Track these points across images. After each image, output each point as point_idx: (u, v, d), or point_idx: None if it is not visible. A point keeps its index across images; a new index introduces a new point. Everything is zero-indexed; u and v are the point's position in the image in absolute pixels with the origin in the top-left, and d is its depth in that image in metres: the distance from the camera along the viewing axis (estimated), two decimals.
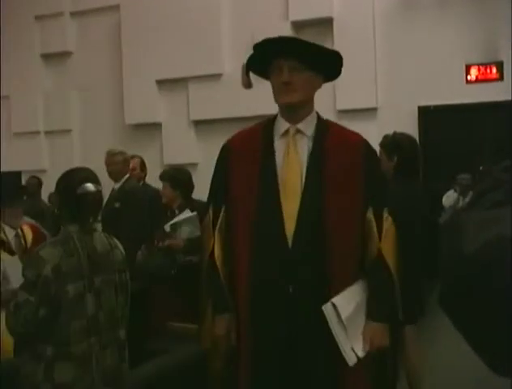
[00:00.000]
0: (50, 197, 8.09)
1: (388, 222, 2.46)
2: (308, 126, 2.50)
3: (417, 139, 4.94)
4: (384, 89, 8.78)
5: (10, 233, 4.31)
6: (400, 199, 3.80)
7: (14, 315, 2.60)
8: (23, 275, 2.66)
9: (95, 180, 2.84)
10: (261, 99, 8.96)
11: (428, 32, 8.47)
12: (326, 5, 8.91)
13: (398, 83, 8.61)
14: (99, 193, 2.85)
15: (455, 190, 8.61)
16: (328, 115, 9.44)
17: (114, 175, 5.75)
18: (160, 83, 10.01)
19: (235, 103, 8.91)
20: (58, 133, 10.78)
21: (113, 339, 2.80)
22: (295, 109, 2.48)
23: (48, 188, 7.94)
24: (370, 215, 2.44)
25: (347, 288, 2.37)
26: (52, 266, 2.60)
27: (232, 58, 9.44)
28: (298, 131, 2.48)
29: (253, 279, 2.39)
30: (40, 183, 8.62)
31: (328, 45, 9.77)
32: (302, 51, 2.42)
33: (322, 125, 2.55)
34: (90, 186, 2.78)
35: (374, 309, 2.44)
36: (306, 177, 2.39)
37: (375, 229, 2.44)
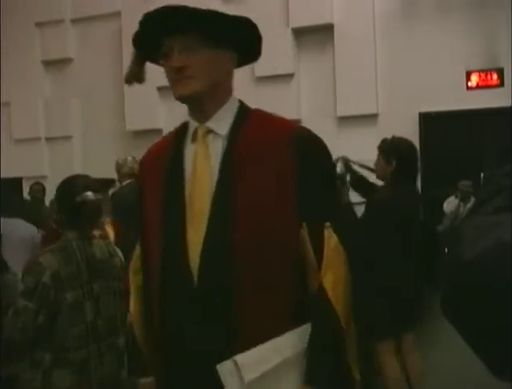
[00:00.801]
0: (50, 203, 8.08)
1: (332, 242, 1.72)
2: (221, 123, 1.82)
3: (418, 146, 4.95)
4: (385, 95, 8.78)
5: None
6: (399, 204, 3.80)
7: (12, 321, 2.60)
8: (23, 281, 2.66)
9: (94, 188, 2.85)
10: (263, 105, 9.02)
11: (429, 39, 8.48)
12: (327, 11, 8.92)
13: (398, 90, 8.61)
14: (98, 201, 2.85)
15: (456, 197, 8.60)
16: (329, 122, 9.52)
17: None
18: (161, 89, 10.00)
19: None
20: (59, 139, 10.78)
21: (111, 346, 2.80)
22: (198, 103, 1.84)
23: (48, 194, 7.95)
24: (304, 233, 1.72)
25: (268, 342, 1.67)
26: (51, 272, 2.60)
27: None
28: (209, 131, 1.82)
29: (163, 330, 1.80)
30: (43, 189, 8.62)
31: (329, 52, 9.90)
32: (196, 23, 1.73)
33: (242, 117, 1.84)
34: (89, 195, 2.78)
35: (307, 370, 1.69)
36: (215, 192, 1.72)
37: (312, 255, 1.72)
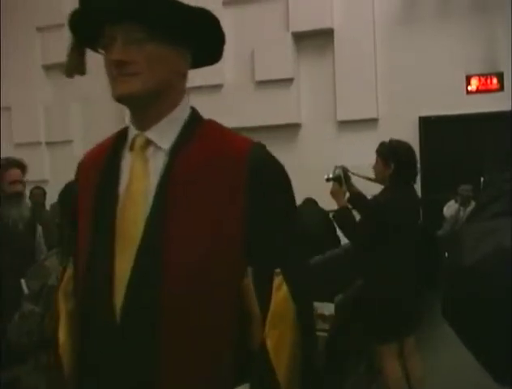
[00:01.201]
0: (51, 207, 8.08)
1: (281, 294, 1.38)
2: (165, 134, 1.47)
3: (418, 150, 4.96)
4: (385, 100, 8.80)
5: None
6: (397, 207, 3.81)
7: (19, 326, 2.60)
8: (28, 285, 2.66)
9: None
10: (263, 109, 9.04)
11: (429, 43, 8.49)
12: (327, 16, 8.94)
13: (398, 94, 8.62)
14: None
15: (456, 201, 8.61)
16: (329, 126, 9.54)
17: None
18: None
19: (236, 113, 8.93)
20: (60, 144, 10.79)
21: None
22: (141, 107, 1.50)
23: (49, 199, 7.94)
24: (249, 280, 1.39)
25: None
26: (57, 275, 2.60)
27: (233, 69, 9.48)
28: (149, 142, 1.48)
29: (80, 364, 1.49)
30: (44, 193, 8.62)
31: (329, 56, 9.93)
32: (145, 11, 1.42)
33: (191, 129, 1.50)
34: None
35: None
36: (148, 219, 1.38)
37: (257, 307, 1.40)
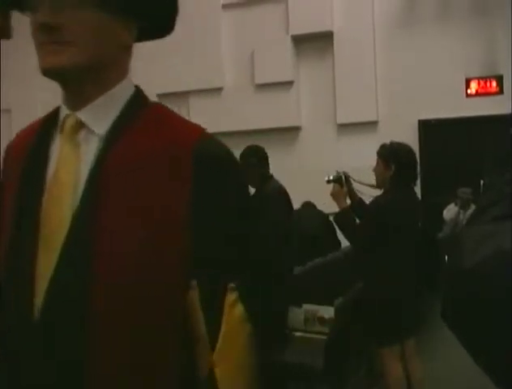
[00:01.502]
0: None
1: (236, 314, 1.15)
2: (100, 115, 1.22)
3: (418, 153, 4.95)
4: (384, 103, 8.81)
5: None
6: (397, 209, 3.81)
7: None
8: None
9: None
10: (263, 112, 9.04)
11: (429, 46, 8.51)
12: (327, 19, 8.95)
13: (398, 97, 8.63)
14: None
15: (456, 204, 8.61)
16: (328, 129, 9.55)
17: None
18: (161, 96, 10.02)
19: (236, 117, 8.95)
20: None
21: None
22: (73, 82, 1.23)
23: None
24: (194, 296, 1.15)
25: None
26: None
27: (233, 72, 9.49)
28: (81, 125, 1.22)
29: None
30: None
31: (329, 59, 9.95)
32: None
33: (133, 112, 1.25)
34: None
35: None
36: (76, 211, 1.16)
37: (203, 328, 1.15)
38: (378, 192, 4.04)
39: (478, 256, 0.81)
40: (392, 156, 3.91)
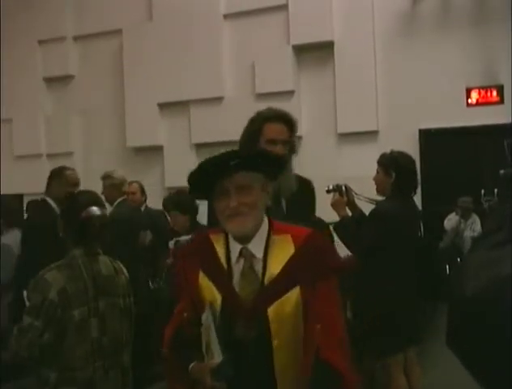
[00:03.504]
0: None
1: None
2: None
3: (418, 162, 4.95)
4: (385, 112, 8.81)
5: None
6: (398, 217, 3.81)
7: (18, 339, 2.58)
8: (28, 298, 2.64)
9: (99, 203, 2.82)
10: None
11: (429, 56, 8.52)
12: (327, 29, 8.97)
13: (399, 107, 8.64)
14: (104, 216, 2.81)
15: (457, 213, 8.61)
16: (329, 138, 9.53)
17: (106, 198, 5.42)
18: (162, 106, 10.05)
19: (236, 126, 8.91)
20: (60, 156, 10.78)
21: (116, 364, 2.77)
22: None
23: None
24: None
25: None
26: (57, 289, 2.58)
27: (234, 81, 9.51)
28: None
29: None
30: None
31: (329, 69, 9.94)
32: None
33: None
34: (94, 210, 2.75)
35: None
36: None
37: None
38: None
39: (480, 283, 0.82)
40: (392, 163, 3.92)
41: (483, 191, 8.39)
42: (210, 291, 2.09)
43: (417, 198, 4.18)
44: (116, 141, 10.35)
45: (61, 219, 2.84)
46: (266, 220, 2.14)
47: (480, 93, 8.49)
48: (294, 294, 2.02)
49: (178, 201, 4.96)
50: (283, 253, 2.08)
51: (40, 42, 10.85)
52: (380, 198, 4.13)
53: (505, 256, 0.81)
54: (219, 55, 9.62)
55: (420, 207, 5.39)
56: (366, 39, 8.85)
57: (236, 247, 2.10)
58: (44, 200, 4.16)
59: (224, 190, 2.04)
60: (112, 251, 2.90)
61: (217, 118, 9.34)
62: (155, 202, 7.41)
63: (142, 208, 6.68)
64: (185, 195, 5.10)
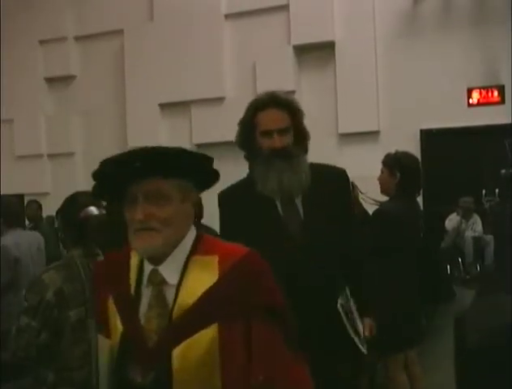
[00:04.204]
0: (47, 219, 8.09)
1: None
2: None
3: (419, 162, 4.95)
4: (386, 112, 8.81)
5: None
6: (401, 217, 3.81)
7: (15, 340, 2.58)
8: (25, 299, 2.64)
9: (98, 204, 2.81)
10: None
11: (430, 56, 8.52)
12: (328, 29, 8.97)
13: (400, 107, 8.64)
14: (102, 216, 2.81)
15: (458, 213, 8.61)
16: (330, 139, 9.52)
17: None
18: (163, 106, 10.06)
19: (237, 126, 8.94)
20: (61, 156, 10.81)
21: None
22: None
23: (51, 211, 7.95)
24: None
25: None
26: (54, 290, 2.58)
27: (235, 82, 9.51)
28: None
29: None
30: (40, 207, 8.61)
31: (330, 69, 9.94)
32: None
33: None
34: (93, 210, 2.75)
35: None
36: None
37: None
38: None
39: (484, 331, 0.85)
40: (397, 163, 3.92)
41: (484, 191, 8.40)
42: (114, 321, 1.70)
43: (418, 199, 4.17)
44: (117, 141, 10.34)
45: (60, 219, 2.83)
46: (192, 235, 1.70)
47: (481, 93, 8.49)
48: (209, 333, 1.57)
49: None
50: (203, 279, 1.62)
51: (42, 42, 10.86)
52: (383, 198, 4.13)
53: (507, 304, 0.85)
54: (220, 55, 9.63)
55: (421, 207, 5.39)
56: (367, 39, 8.85)
57: (148, 269, 1.68)
58: None
59: (133, 198, 1.61)
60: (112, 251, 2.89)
61: (218, 119, 9.34)
62: None
63: None
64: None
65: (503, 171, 7.29)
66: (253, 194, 2.48)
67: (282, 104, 2.56)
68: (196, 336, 1.57)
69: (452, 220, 8.69)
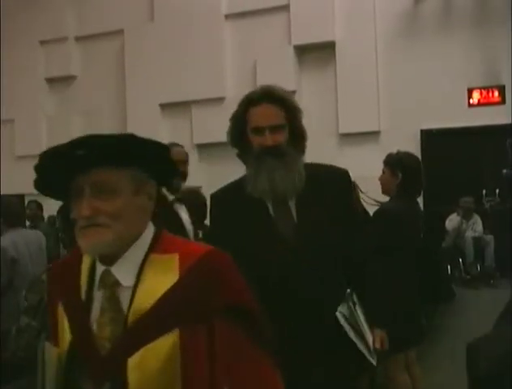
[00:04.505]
0: (50, 219, 8.11)
1: None
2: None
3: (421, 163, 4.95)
4: (386, 113, 8.81)
5: None
6: (402, 217, 3.81)
7: (16, 340, 2.58)
8: (25, 299, 2.64)
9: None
10: None
11: (431, 56, 8.52)
12: (329, 29, 8.98)
13: (400, 107, 8.64)
14: None
15: (458, 214, 8.61)
16: (331, 139, 9.51)
17: None
18: (163, 106, 10.07)
19: None
20: None
21: None
22: None
23: (52, 211, 7.96)
24: None
25: None
26: None
27: (236, 82, 9.51)
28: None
29: None
30: (40, 207, 8.62)
31: (331, 69, 9.94)
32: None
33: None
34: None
35: None
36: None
37: None
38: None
39: (491, 359, 0.85)
40: (399, 163, 3.91)
41: (484, 191, 8.40)
42: (62, 328, 1.53)
43: (419, 199, 4.18)
44: None
45: (60, 219, 2.82)
46: (150, 232, 1.52)
47: (481, 93, 8.50)
48: (169, 340, 1.41)
49: (188, 198, 4.90)
50: (161, 280, 1.45)
51: (42, 42, 10.88)
52: (384, 198, 4.13)
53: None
54: (221, 55, 9.63)
55: (421, 208, 5.40)
56: (368, 39, 8.86)
57: (100, 270, 1.49)
58: None
59: (79, 192, 1.44)
60: None
61: (219, 119, 9.28)
62: None
63: None
64: (199, 195, 5.02)
65: (505, 171, 7.30)
66: (245, 195, 2.29)
67: (276, 99, 2.34)
68: (154, 344, 1.40)
69: (452, 220, 8.69)
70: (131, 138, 1.43)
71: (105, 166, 1.42)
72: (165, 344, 1.40)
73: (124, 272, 1.46)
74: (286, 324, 2.09)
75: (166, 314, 1.42)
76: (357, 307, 2.32)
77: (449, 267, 7.92)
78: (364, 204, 4.25)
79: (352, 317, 2.28)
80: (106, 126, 10.49)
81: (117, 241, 1.42)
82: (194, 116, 9.82)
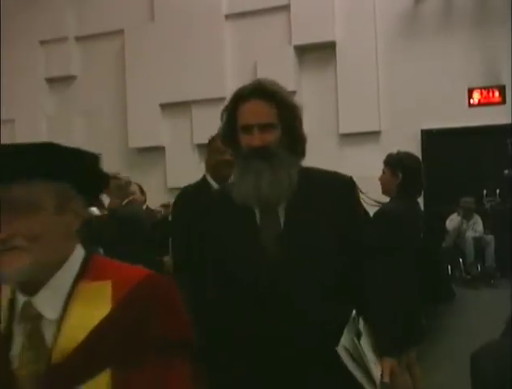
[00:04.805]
0: None
1: None
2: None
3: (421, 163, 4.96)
4: (387, 113, 8.81)
5: None
6: (403, 217, 3.81)
7: None
8: None
9: (99, 204, 2.81)
10: None
11: (431, 56, 8.52)
12: (329, 29, 8.98)
13: (401, 107, 8.64)
14: (103, 216, 2.81)
15: (458, 214, 8.60)
16: (331, 139, 9.51)
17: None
18: (164, 106, 10.07)
19: None
20: None
21: None
22: None
23: None
24: None
25: None
26: None
27: (236, 82, 9.50)
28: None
29: None
30: None
31: (331, 69, 9.93)
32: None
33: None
34: (94, 210, 2.76)
35: None
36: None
37: None
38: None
39: (497, 371, 0.87)
40: (399, 163, 3.91)
41: (485, 191, 8.40)
42: None
43: (419, 199, 4.18)
44: (118, 142, 10.36)
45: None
46: (80, 256, 1.31)
47: (481, 93, 8.50)
48: (100, 382, 1.22)
49: None
50: (92, 312, 1.26)
51: (42, 42, 10.88)
52: (384, 198, 4.13)
53: None
54: (221, 55, 9.64)
55: (421, 208, 5.40)
56: (368, 39, 8.86)
57: (20, 302, 1.29)
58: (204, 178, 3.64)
59: None
60: (111, 251, 2.89)
61: (219, 119, 9.33)
62: (157, 202, 7.42)
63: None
64: None
65: (506, 171, 7.30)
66: (231, 200, 2.02)
67: (268, 95, 2.06)
68: (82, 386, 1.22)
69: (453, 220, 8.68)
70: (52, 148, 1.26)
71: (21, 180, 1.22)
72: (95, 387, 1.22)
73: (48, 304, 1.26)
74: (270, 353, 1.84)
75: (96, 351, 1.23)
76: (362, 337, 2.04)
77: (449, 267, 7.92)
78: (365, 205, 4.25)
79: (355, 351, 2.00)
80: (106, 126, 10.50)
81: (35, 266, 1.22)
82: (194, 116, 9.82)
